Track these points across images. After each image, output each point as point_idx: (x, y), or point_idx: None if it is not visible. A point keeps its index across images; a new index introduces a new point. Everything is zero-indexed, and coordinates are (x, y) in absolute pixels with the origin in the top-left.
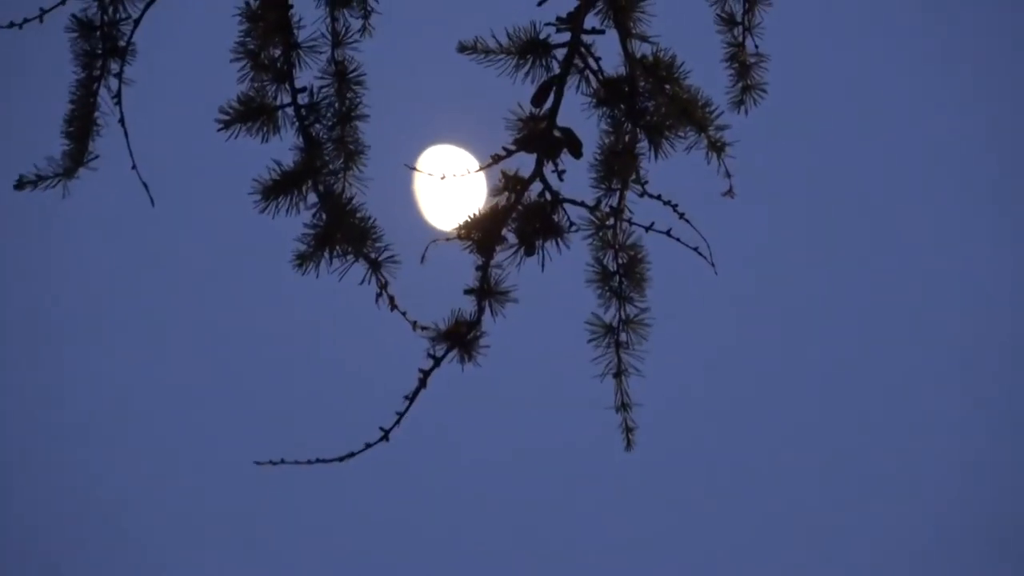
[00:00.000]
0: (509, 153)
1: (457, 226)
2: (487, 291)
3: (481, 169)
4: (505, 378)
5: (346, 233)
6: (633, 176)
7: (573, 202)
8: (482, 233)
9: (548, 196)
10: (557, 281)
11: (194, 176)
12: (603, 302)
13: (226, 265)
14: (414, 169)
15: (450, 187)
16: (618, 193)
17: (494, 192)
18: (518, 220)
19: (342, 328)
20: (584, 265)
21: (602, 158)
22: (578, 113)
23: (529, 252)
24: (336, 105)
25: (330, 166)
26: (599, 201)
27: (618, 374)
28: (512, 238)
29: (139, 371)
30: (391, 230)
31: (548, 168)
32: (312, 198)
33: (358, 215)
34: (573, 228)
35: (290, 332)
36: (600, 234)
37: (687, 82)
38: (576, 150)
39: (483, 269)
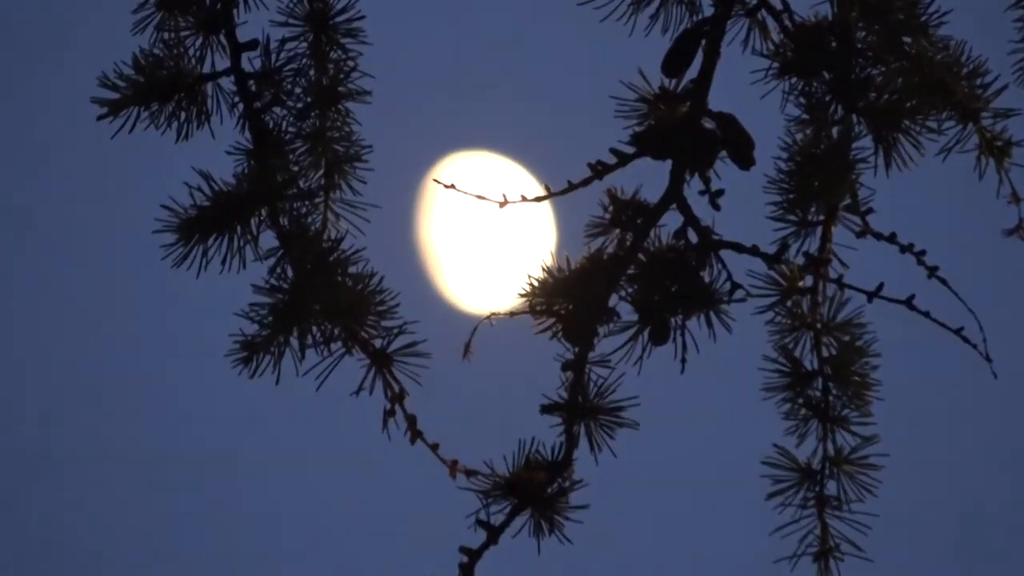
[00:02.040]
0: (621, 161)
1: (525, 291)
2: (583, 408)
3: (563, 192)
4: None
5: (328, 301)
6: (847, 199)
7: (738, 248)
8: (573, 303)
9: (693, 236)
10: (702, 387)
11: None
12: (794, 426)
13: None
14: (449, 188)
15: (507, 220)
16: (820, 230)
17: (592, 231)
18: (637, 280)
19: (322, 473)
20: (757, 360)
21: (791, 168)
22: (745, 88)
23: (659, 338)
24: (311, 74)
25: (300, 183)
26: (784, 245)
27: (823, 554)
28: (627, 312)
29: None
30: (408, 296)
31: (691, 185)
32: (268, 240)
33: (349, 270)
34: (738, 294)
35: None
36: (789, 305)
37: (941, 34)
38: (743, 154)
39: (576, 368)
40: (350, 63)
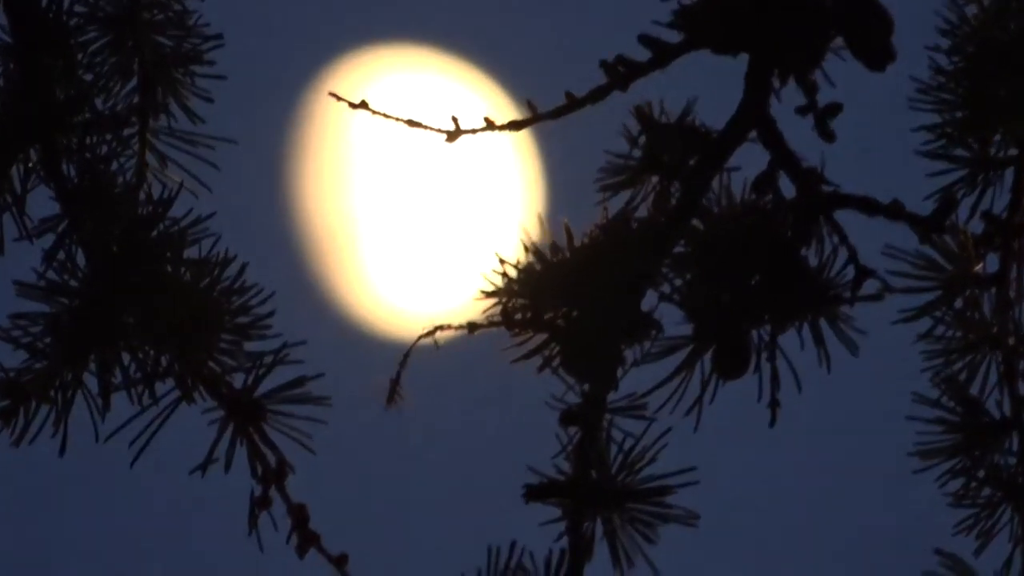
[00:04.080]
0: (657, 57)
1: (493, 287)
2: (599, 491)
3: (557, 114)
4: None
5: (149, 310)
6: None
7: (869, 206)
8: (579, 308)
9: (786, 188)
10: (805, 449)
11: None
12: (971, 517)
13: None
14: (357, 108)
15: (460, 163)
16: (1011, 175)
17: (610, 180)
18: (691, 265)
19: None
20: (903, 402)
21: (958, 66)
22: None
23: (731, 366)
24: None
25: (97, 103)
26: (950, 201)
27: None
28: (674, 321)
29: None
30: (291, 298)
31: (783, 98)
32: (42, 203)
33: (185, 254)
34: (869, 288)
35: None
36: (958, 305)
37: None
38: (874, 42)
39: (586, 420)
40: None
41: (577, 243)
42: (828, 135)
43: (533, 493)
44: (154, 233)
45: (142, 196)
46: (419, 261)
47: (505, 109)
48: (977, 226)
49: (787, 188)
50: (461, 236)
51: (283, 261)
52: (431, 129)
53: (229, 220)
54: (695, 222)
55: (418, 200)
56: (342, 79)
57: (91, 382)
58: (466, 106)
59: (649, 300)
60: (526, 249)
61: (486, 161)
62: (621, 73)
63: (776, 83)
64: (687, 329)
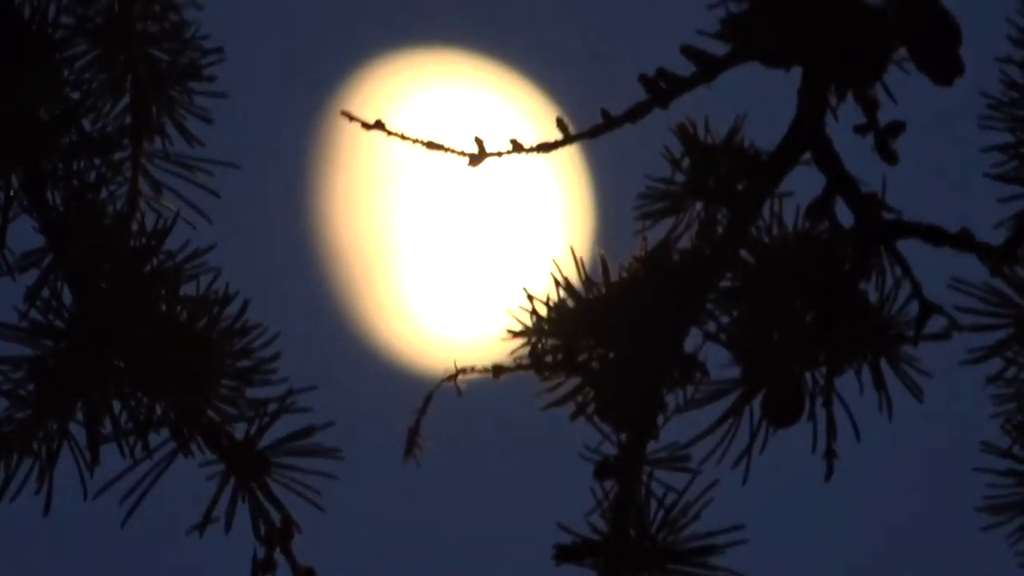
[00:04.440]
0: (702, 71)
1: (522, 326)
2: (638, 550)
3: (591, 135)
4: None
5: (142, 353)
6: None
7: (936, 236)
8: (615, 349)
9: (843, 215)
10: (864, 501)
11: None
12: None
13: None
14: (372, 128)
15: (484, 188)
16: None
17: (650, 208)
18: (739, 301)
19: None
20: (971, 453)
21: None
22: None
23: (783, 412)
24: None
25: (86, 123)
26: None
27: None
28: (720, 362)
29: None
30: (298, 339)
31: (840, 115)
32: (24, 235)
33: (181, 291)
34: (935, 326)
35: None
36: None
37: None
38: (942, 55)
39: (623, 473)
40: None
41: (614, 277)
42: (890, 156)
43: (565, 554)
44: (147, 268)
45: (134, 227)
46: (441, 296)
47: (537, 126)
48: None
49: (845, 215)
50: (486, 269)
51: (289, 298)
52: (453, 152)
53: (230, 253)
54: (743, 253)
55: (441, 227)
56: (361, 92)
57: (78, 433)
58: (493, 123)
59: (693, 340)
60: (557, 284)
61: (515, 183)
62: (662, 89)
63: (833, 99)
64: (735, 372)
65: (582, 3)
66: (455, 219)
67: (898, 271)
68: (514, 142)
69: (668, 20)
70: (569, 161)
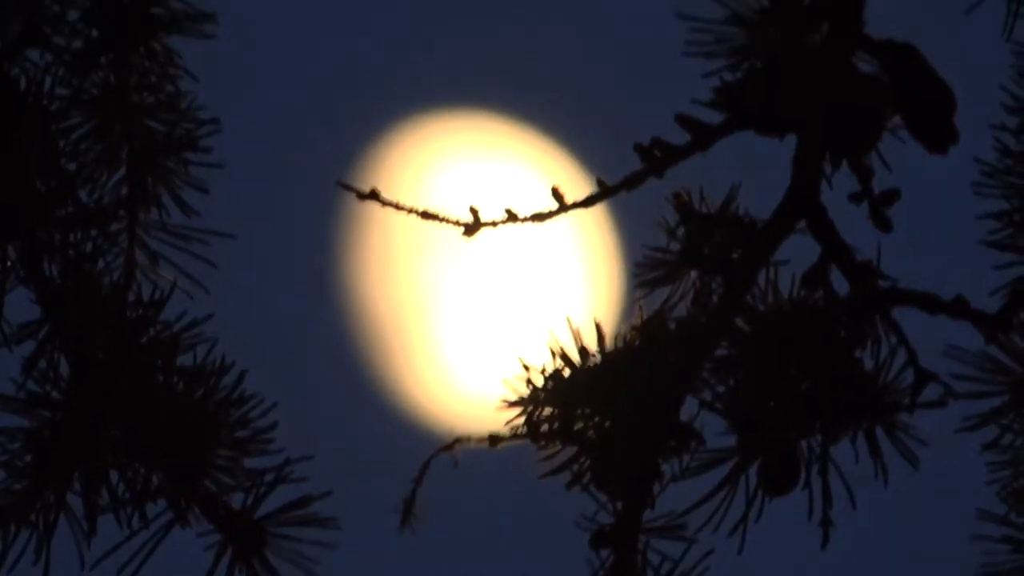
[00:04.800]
0: (697, 140)
1: (519, 395)
2: None
3: (585, 204)
4: None
5: (139, 424)
6: None
7: (930, 303)
8: (612, 418)
9: (838, 282)
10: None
11: None
12: None
13: None
14: (368, 198)
15: (479, 258)
16: None
17: (646, 276)
18: (735, 369)
19: None
20: (966, 522)
21: None
22: None
23: (780, 481)
24: None
25: (81, 194)
26: (1019, 297)
27: None
28: (716, 431)
29: None
30: (295, 410)
31: (835, 183)
32: (22, 306)
33: (178, 361)
34: (930, 393)
35: None
36: None
37: None
38: (936, 122)
39: (620, 542)
40: None
41: (609, 346)
42: (885, 225)
43: None
44: (144, 338)
45: (131, 297)
46: (438, 366)
47: (533, 193)
48: None
49: (840, 283)
50: (484, 338)
51: (286, 368)
52: (448, 221)
53: (227, 323)
54: (739, 321)
55: (438, 296)
56: (357, 162)
57: (76, 503)
58: (490, 191)
59: (689, 408)
60: (553, 353)
61: (514, 253)
62: (658, 158)
63: (827, 167)
64: (730, 440)
65: (583, 70)
66: (452, 288)
67: (893, 339)
68: (509, 212)
69: (664, 89)
70: (566, 231)
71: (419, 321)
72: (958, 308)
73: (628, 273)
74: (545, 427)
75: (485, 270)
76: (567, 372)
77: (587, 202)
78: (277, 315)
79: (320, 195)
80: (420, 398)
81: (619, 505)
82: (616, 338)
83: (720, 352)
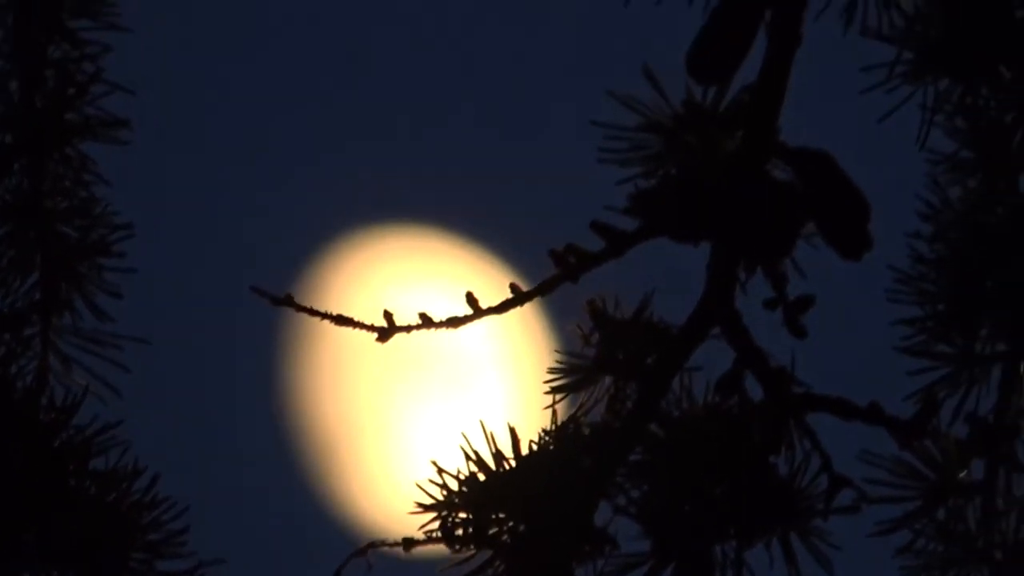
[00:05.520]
0: (612, 246)
1: (434, 500)
2: None
3: (498, 311)
4: None
5: (49, 528)
6: None
7: (845, 410)
8: (528, 523)
9: (752, 389)
10: None
11: None
12: None
13: None
14: (282, 304)
15: (395, 364)
16: (999, 373)
17: (561, 381)
18: (649, 475)
19: None
20: None
21: (941, 254)
22: (849, 101)
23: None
24: (13, 87)
25: None
26: (931, 404)
27: None
28: (630, 536)
29: None
30: (208, 510)
31: (748, 290)
32: None
33: (90, 465)
34: (844, 499)
35: None
36: (941, 516)
37: None
38: (850, 230)
39: None
40: (88, 64)
41: (524, 450)
42: (799, 331)
43: None
44: (56, 443)
45: (43, 402)
46: (350, 469)
47: (451, 299)
48: (962, 429)
49: (754, 389)
50: (398, 443)
51: (198, 471)
52: (362, 327)
53: (140, 426)
54: (653, 427)
55: (350, 405)
56: (271, 270)
57: None
58: (407, 299)
59: (603, 512)
60: (468, 457)
61: (429, 360)
62: (572, 263)
63: (742, 274)
64: (644, 545)
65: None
66: (366, 391)
67: (808, 445)
68: (423, 316)
69: (578, 196)
70: (482, 337)
71: (333, 424)
72: (872, 414)
73: (542, 378)
74: (460, 531)
75: (399, 374)
76: (481, 476)
77: (501, 308)
78: (189, 419)
79: (234, 301)
80: (334, 501)
81: None
82: (531, 443)
83: (634, 457)
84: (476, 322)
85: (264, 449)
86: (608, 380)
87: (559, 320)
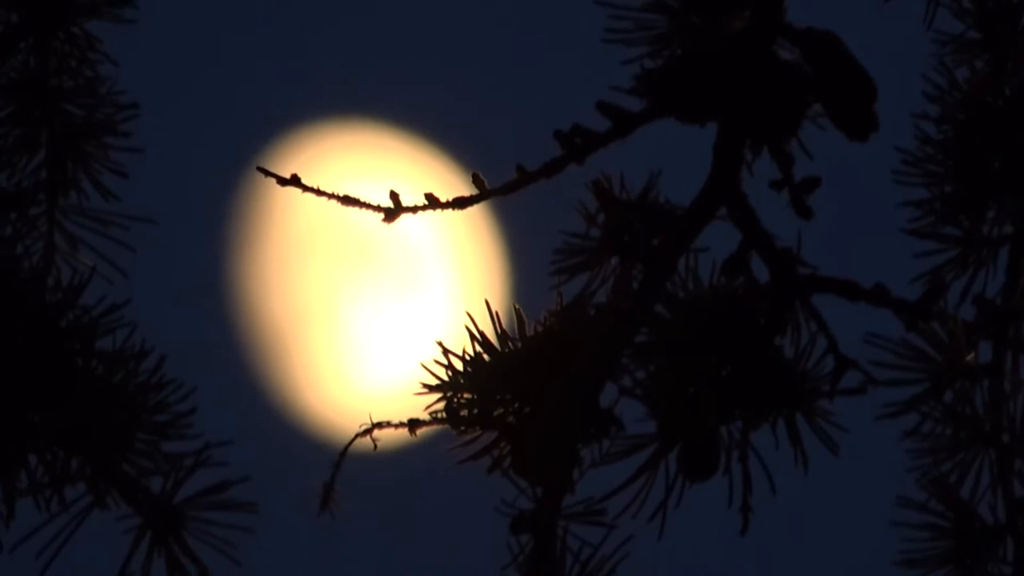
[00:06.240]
0: (617, 127)
1: (438, 380)
2: None
3: (504, 191)
4: None
5: (57, 408)
6: None
7: (851, 291)
8: (531, 404)
9: (759, 270)
10: (777, 558)
11: None
12: None
13: None
14: (289, 184)
15: (399, 245)
16: (1006, 256)
17: (566, 263)
18: (654, 356)
19: None
20: (886, 506)
21: (948, 135)
22: None
23: (699, 467)
24: None
25: None
26: (938, 286)
27: None
28: (636, 417)
29: None
30: (215, 394)
31: (756, 171)
32: None
33: (97, 345)
34: (850, 380)
35: None
36: (948, 399)
37: None
38: (856, 110)
39: (540, 527)
40: None
41: (529, 331)
42: (805, 212)
43: None
44: (63, 323)
45: (50, 282)
46: (357, 351)
47: (450, 181)
48: (969, 312)
49: (760, 271)
50: (402, 322)
51: (207, 352)
52: (368, 207)
53: (147, 308)
54: (659, 308)
55: (358, 282)
56: (279, 153)
57: None
58: (407, 180)
59: (609, 394)
60: (472, 338)
61: (431, 238)
62: (577, 145)
63: (748, 155)
64: (650, 426)
65: (501, 60)
66: (373, 275)
67: (813, 326)
68: (429, 197)
69: (584, 76)
70: (487, 216)
71: (340, 309)
72: (878, 296)
73: (548, 259)
74: (464, 412)
75: (405, 256)
76: (487, 357)
77: (507, 188)
78: (197, 300)
79: (239, 181)
80: (339, 385)
81: (539, 491)
82: (536, 324)
83: (640, 338)
84: (482, 202)
85: (271, 332)
86: (614, 261)
87: (565, 202)
